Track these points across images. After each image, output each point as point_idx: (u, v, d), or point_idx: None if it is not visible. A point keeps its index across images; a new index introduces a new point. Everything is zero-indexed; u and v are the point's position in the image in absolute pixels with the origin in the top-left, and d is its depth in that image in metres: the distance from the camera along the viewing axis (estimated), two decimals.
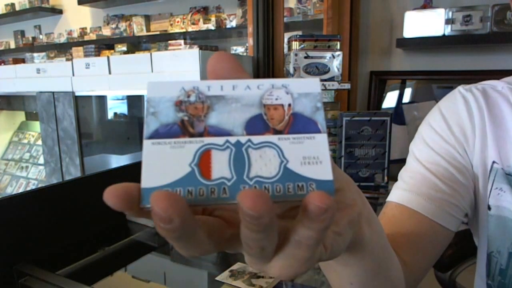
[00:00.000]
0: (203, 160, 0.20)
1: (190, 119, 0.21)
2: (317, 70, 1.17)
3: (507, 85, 0.55)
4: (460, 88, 0.58)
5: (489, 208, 0.52)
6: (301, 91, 0.22)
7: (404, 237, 0.51)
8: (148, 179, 0.19)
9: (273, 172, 0.20)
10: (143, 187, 0.19)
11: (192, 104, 0.21)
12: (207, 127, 0.21)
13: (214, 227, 0.21)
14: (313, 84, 0.23)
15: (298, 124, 0.21)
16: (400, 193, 0.54)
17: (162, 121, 0.21)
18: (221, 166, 0.20)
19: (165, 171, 0.20)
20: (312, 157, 0.21)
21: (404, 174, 0.57)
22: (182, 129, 0.21)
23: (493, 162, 0.52)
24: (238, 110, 0.21)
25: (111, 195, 0.18)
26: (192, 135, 0.20)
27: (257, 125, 0.21)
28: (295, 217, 0.23)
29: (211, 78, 0.23)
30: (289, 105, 0.22)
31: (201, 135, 0.21)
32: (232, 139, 0.21)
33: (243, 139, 0.21)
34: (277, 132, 0.21)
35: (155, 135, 0.20)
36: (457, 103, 0.56)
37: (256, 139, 0.21)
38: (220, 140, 0.20)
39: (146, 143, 0.20)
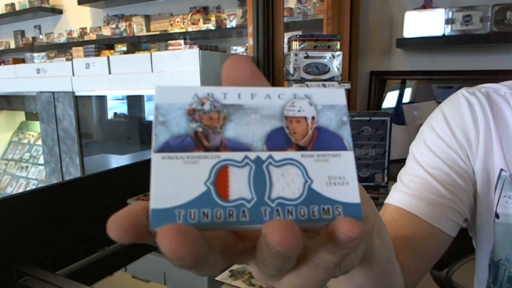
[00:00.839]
0: (220, 178, 0.18)
1: (204, 131, 0.19)
2: (317, 70, 1.17)
3: (509, 91, 0.54)
4: (464, 91, 0.57)
5: (497, 216, 0.52)
6: (326, 102, 0.21)
7: (403, 241, 0.51)
8: (158, 199, 0.17)
9: (297, 193, 0.18)
10: (153, 208, 0.17)
11: (207, 114, 0.19)
12: (223, 141, 0.19)
13: (225, 242, 0.20)
14: (337, 95, 0.21)
15: (323, 139, 0.20)
16: (401, 196, 0.54)
17: (173, 132, 0.18)
18: (239, 186, 0.18)
19: (178, 190, 0.17)
20: (338, 177, 0.19)
21: (404, 176, 0.57)
22: (196, 142, 0.18)
23: (501, 170, 0.52)
24: (258, 122, 0.19)
25: (114, 229, 0.17)
26: (207, 149, 0.18)
27: (279, 139, 0.19)
28: (308, 231, 0.22)
29: (227, 84, 0.21)
30: (313, 118, 0.20)
31: (217, 149, 0.18)
32: (252, 155, 0.19)
33: (264, 155, 0.19)
34: (300, 148, 0.19)
35: (166, 148, 0.18)
36: (461, 107, 0.55)
37: (278, 155, 0.19)
38: (238, 155, 0.18)
39: (156, 157, 0.18)
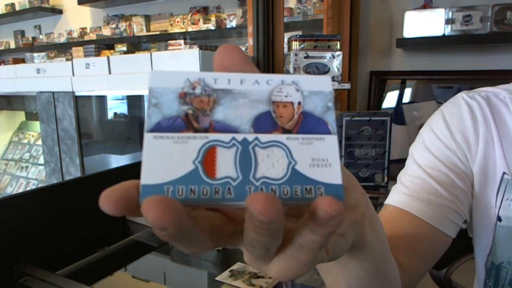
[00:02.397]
0: (208, 158, 0.19)
1: (195, 113, 0.20)
2: (317, 70, 1.17)
3: (508, 95, 0.55)
4: (464, 95, 0.57)
5: (499, 219, 0.52)
6: (312, 89, 0.21)
7: (402, 241, 0.51)
8: (149, 175, 0.18)
9: (281, 173, 0.19)
10: (143, 183, 0.18)
11: (198, 97, 0.20)
12: (212, 123, 0.20)
13: (215, 223, 0.21)
14: (324, 82, 0.22)
15: (308, 123, 0.21)
16: (400, 197, 0.54)
17: (165, 114, 0.20)
18: (226, 165, 0.19)
19: (167, 167, 0.18)
20: (321, 159, 0.20)
21: (403, 177, 0.57)
22: (186, 123, 0.20)
23: (503, 173, 0.52)
24: (246, 105, 0.20)
25: (106, 202, 0.18)
26: (196, 130, 0.19)
27: (265, 122, 0.20)
28: (296, 216, 0.23)
29: (218, 70, 0.22)
30: (299, 103, 0.21)
31: (206, 130, 0.20)
32: (239, 137, 0.20)
33: (250, 137, 0.20)
34: (286, 131, 0.20)
35: (157, 128, 0.19)
36: (462, 110, 0.56)
37: (264, 137, 0.20)
38: (226, 137, 0.20)
39: (148, 136, 0.19)
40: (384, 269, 0.36)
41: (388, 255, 0.37)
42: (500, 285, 0.55)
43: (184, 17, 2.48)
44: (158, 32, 2.59)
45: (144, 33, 2.66)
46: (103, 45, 2.79)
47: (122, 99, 2.24)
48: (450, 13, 1.42)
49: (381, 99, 1.69)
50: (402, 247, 0.50)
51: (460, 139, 0.54)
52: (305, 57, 1.16)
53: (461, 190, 0.53)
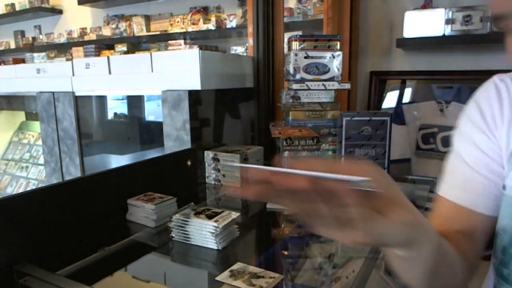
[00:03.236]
0: None
1: None
2: (317, 70, 1.17)
3: None
4: (495, 78, 0.61)
5: (504, 188, 0.56)
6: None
7: (460, 233, 0.57)
8: None
9: None
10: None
11: None
12: None
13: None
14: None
15: None
16: (450, 190, 0.60)
17: None
18: None
19: None
20: None
21: (448, 167, 0.63)
22: None
23: None
24: None
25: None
26: None
27: None
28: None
29: None
30: None
31: None
32: None
33: None
34: None
35: None
36: (489, 92, 0.59)
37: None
38: None
39: None
40: (440, 268, 0.46)
41: (442, 259, 0.46)
42: (495, 252, 0.58)
43: (184, 17, 2.48)
44: (158, 32, 2.59)
45: (144, 33, 2.66)
46: (103, 45, 2.79)
47: (122, 99, 2.24)
48: (450, 13, 1.41)
49: (381, 99, 1.69)
50: (461, 238, 0.56)
51: (490, 121, 0.58)
52: (305, 57, 1.16)
53: (498, 173, 0.57)
